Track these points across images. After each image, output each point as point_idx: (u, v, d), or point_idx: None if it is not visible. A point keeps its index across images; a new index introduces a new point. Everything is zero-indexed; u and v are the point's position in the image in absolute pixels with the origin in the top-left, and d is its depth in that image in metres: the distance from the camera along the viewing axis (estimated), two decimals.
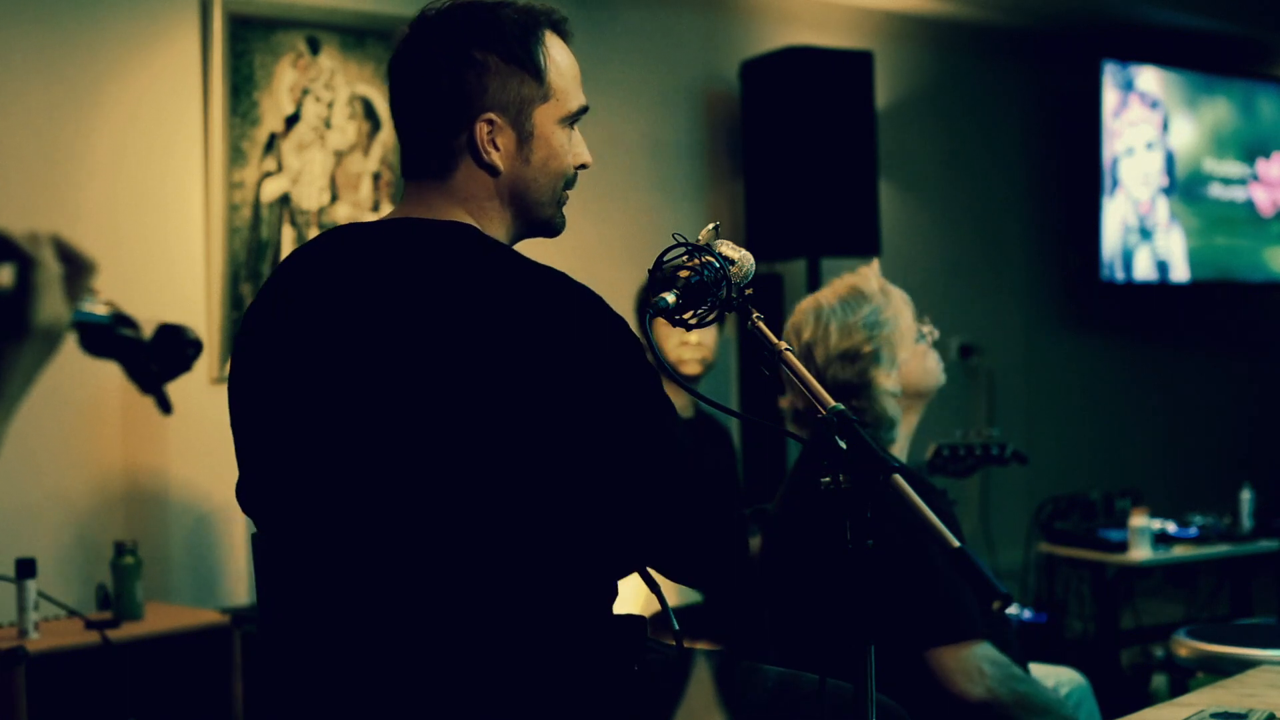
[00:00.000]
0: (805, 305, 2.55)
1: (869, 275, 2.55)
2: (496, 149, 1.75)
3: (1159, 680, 4.65)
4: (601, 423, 1.61)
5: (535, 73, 1.76)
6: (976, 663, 2.35)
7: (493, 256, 1.70)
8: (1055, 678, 2.87)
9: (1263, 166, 6.60)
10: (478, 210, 1.78)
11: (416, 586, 1.63)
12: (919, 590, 2.34)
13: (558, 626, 1.66)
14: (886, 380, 2.49)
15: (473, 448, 1.60)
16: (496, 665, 1.63)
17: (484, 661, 1.63)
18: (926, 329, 2.59)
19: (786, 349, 1.72)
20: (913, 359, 2.55)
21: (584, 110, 1.83)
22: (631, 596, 2.63)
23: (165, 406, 1.28)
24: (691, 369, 3.84)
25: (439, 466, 1.61)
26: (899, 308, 2.53)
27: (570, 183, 1.84)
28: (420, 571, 1.62)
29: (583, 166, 1.84)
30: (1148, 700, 4.38)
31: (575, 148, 1.83)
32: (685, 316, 1.73)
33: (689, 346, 3.82)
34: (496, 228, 1.79)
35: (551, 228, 1.85)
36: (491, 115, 1.74)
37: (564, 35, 1.83)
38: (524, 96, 1.76)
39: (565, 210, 1.86)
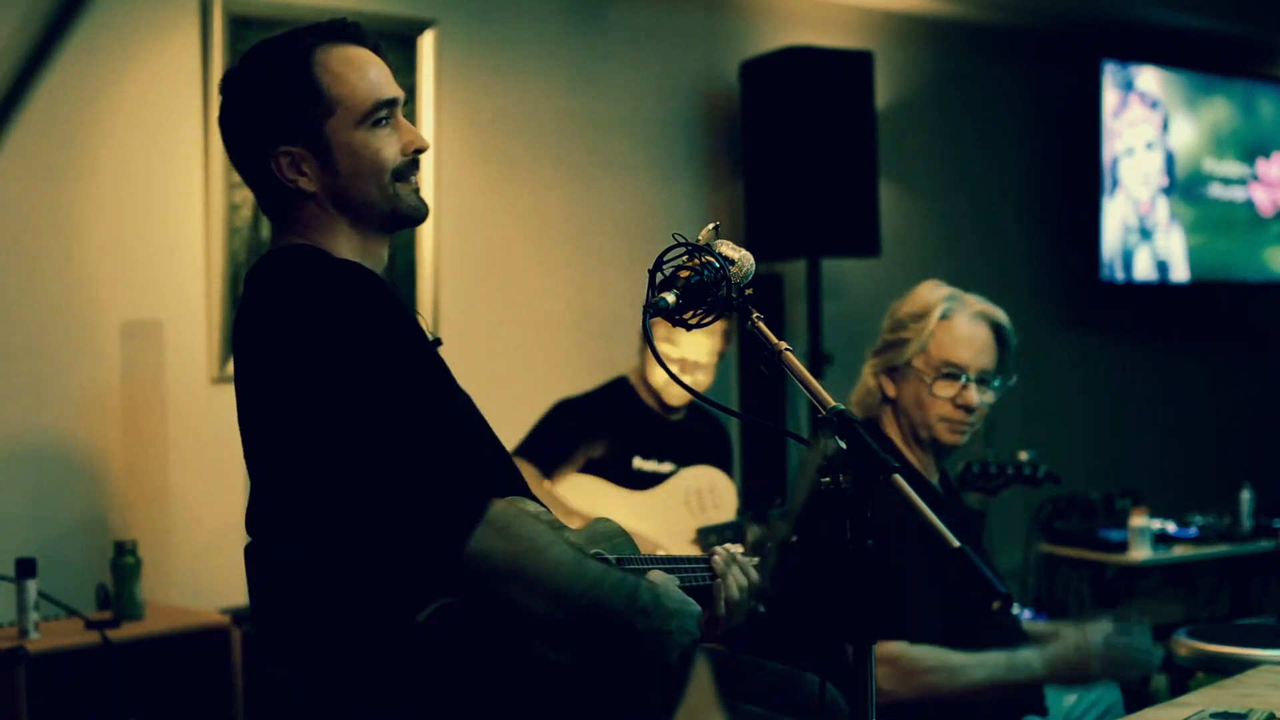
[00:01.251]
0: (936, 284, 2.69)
1: (939, 295, 2.64)
2: (303, 174, 1.85)
3: (1159, 680, 4.65)
4: (302, 416, 1.72)
5: (310, 92, 1.84)
6: (886, 654, 2.40)
7: (258, 273, 1.84)
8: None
9: (1262, 166, 6.60)
10: (315, 233, 1.87)
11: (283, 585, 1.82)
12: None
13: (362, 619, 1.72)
14: (871, 367, 2.65)
15: (253, 450, 1.82)
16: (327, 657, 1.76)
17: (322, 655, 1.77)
18: (956, 387, 2.58)
19: (786, 349, 1.72)
20: (910, 385, 2.60)
21: (380, 104, 1.86)
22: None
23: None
24: (677, 402, 3.74)
25: (254, 473, 1.83)
26: (925, 333, 2.59)
27: (400, 172, 1.88)
28: (280, 571, 1.81)
29: (416, 151, 1.88)
30: (1148, 700, 4.38)
31: (384, 140, 1.86)
32: (685, 316, 1.74)
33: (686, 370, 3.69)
34: (342, 240, 1.87)
35: (402, 217, 1.90)
36: (284, 147, 1.84)
37: (348, 39, 1.88)
38: (307, 117, 1.84)
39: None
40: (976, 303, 2.65)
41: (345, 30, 1.89)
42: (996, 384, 2.63)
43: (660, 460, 3.69)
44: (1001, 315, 2.67)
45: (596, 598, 1.70)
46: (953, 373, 2.58)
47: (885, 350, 2.64)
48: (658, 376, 3.64)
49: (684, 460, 3.71)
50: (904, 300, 2.67)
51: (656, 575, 1.82)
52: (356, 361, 1.69)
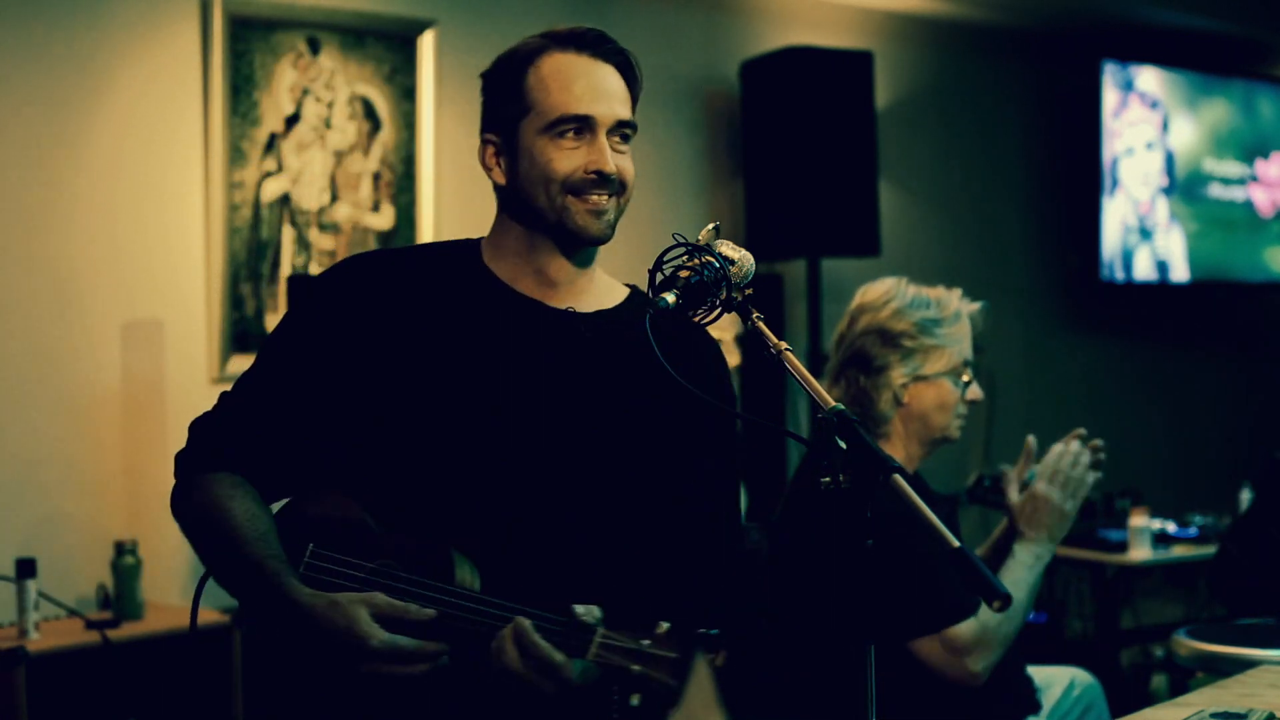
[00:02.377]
0: (888, 279, 2.62)
1: (956, 296, 2.60)
2: (499, 165, 1.91)
3: (1159, 680, 4.66)
4: None
5: (516, 91, 1.89)
6: (966, 641, 2.38)
7: None
8: (1068, 678, 2.86)
9: (1262, 167, 6.60)
10: (498, 224, 1.94)
11: None
12: (899, 583, 2.34)
13: None
14: (899, 378, 2.53)
15: None
16: None
17: None
18: (970, 384, 2.58)
19: (787, 349, 1.72)
20: (935, 390, 2.55)
21: (568, 118, 1.86)
22: None
23: None
24: None
25: None
26: (957, 338, 2.56)
27: (575, 187, 1.86)
28: None
29: (591, 173, 1.85)
30: (1148, 700, 4.39)
31: (564, 153, 1.86)
32: (685, 316, 1.74)
33: None
34: (511, 239, 1.92)
35: (568, 232, 1.88)
36: (489, 136, 1.92)
37: (575, 45, 1.91)
38: (509, 115, 1.90)
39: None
40: (956, 294, 2.64)
41: (582, 39, 1.92)
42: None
43: None
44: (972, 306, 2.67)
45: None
46: (970, 371, 2.59)
47: (911, 358, 2.53)
48: None
49: None
50: (924, 306, 2.55)
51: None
52: (273, 334, 1.98)
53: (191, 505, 1.90)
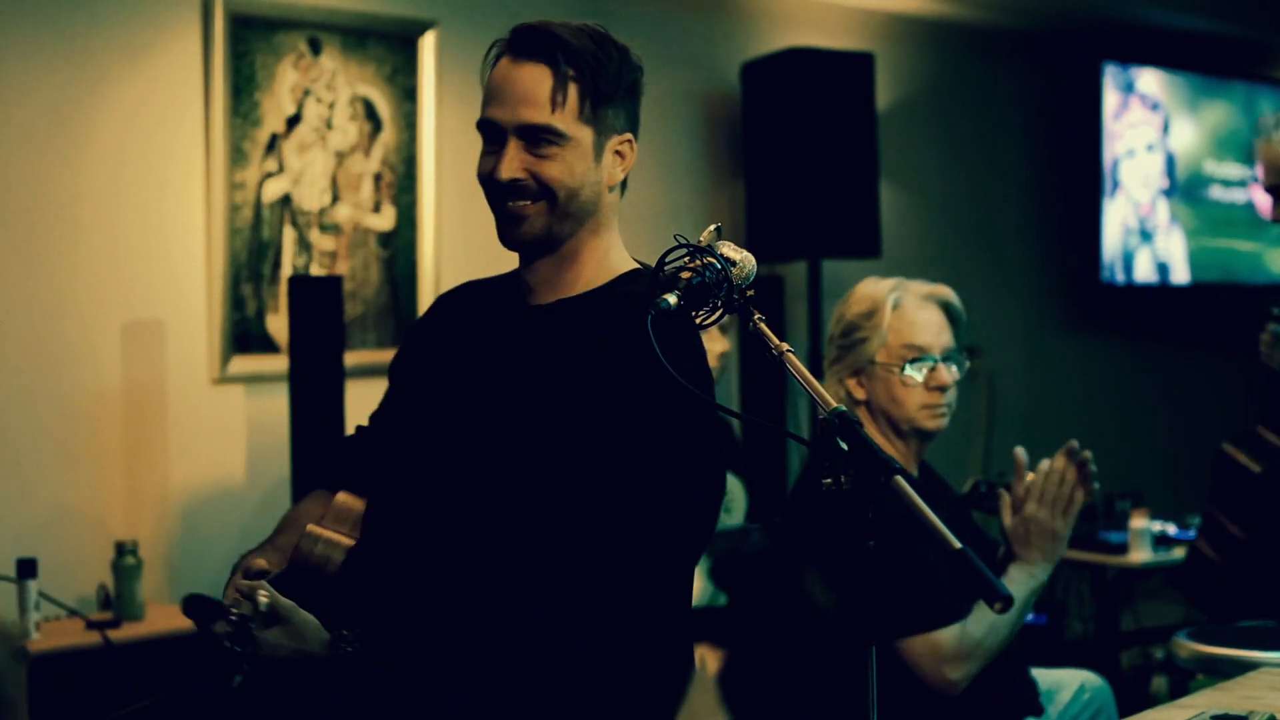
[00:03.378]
0: (867, 280, 2.71)
1: (889, 287, 2.64)
2: None
3: (1159, 682, 4.65)
4: None
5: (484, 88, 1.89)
6: (947, 647, 2.38)
7: None
8: (1078, 681, 2.86)
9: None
10: None
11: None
12: (890, 582, 2.35)
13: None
14: (835, 375, 2.65)
15: None
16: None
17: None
18: (925, 370, 2.60)
19: (788, 350, 1.72)
20: (881, 383, 2.60)
21: (480, 124, 1.87)
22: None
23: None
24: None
25: None
26: (883, 329, 2.60)
27: (489, 195, 1.87)
28: None
29: (487, 182, 1.86)
30: (1148, 702, 4.38)
31: (482, 161, 1.87)
32: (687, 317, 1.74)
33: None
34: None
35: (501, 236, 1.90)
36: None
37: (510, 50, 1.86)
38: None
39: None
40: (921, 286, 2.66)
41: (511, 41, 1.86)
42: (960, 360, 2.65)
43: None
44: (948, 292, 2.69)
45: None
46: (918, 357, 2.60)
47: (844, 355, 2.64)
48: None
49: None
50: (847, 303, 2.67)
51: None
52: None
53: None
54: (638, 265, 1.93)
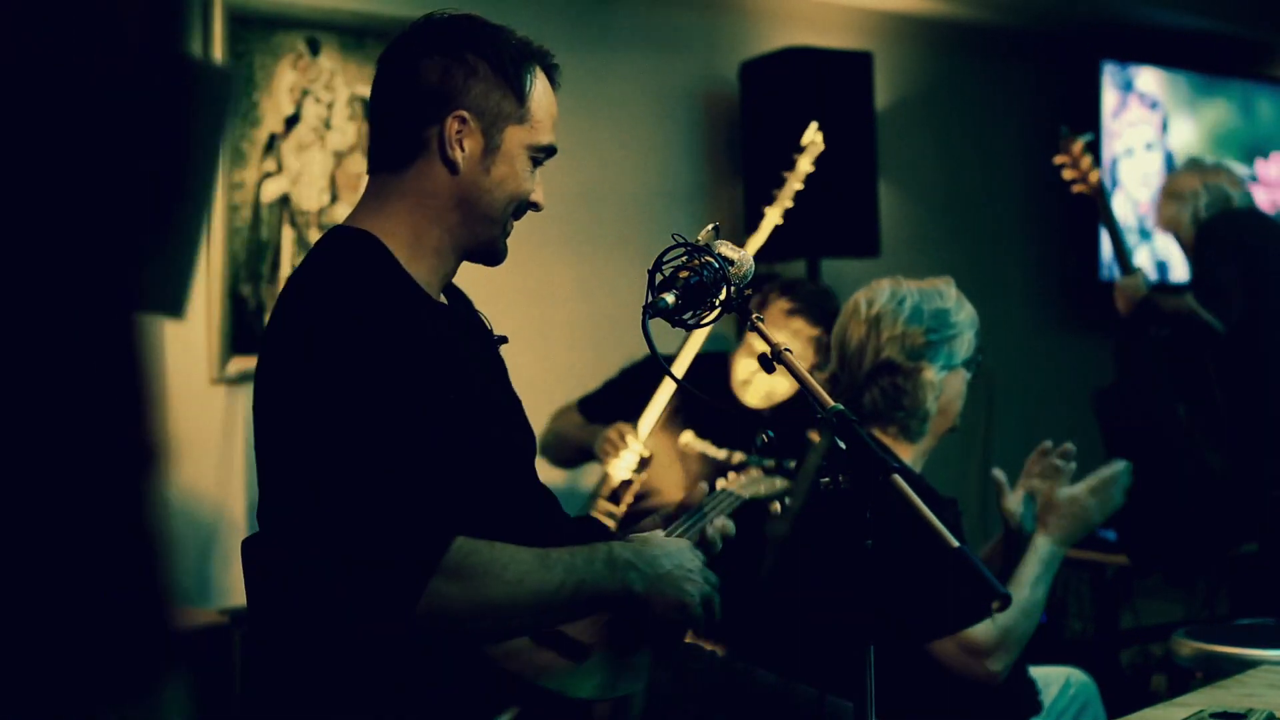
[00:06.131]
0: (883, 282, 2.61)
1: (950, 284, 2.64)
2: (461, 149, 1.82)
3: (1159, 680, 4.64)
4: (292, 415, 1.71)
5: (518, 92, 1.84)
6: (985, 641, 2.38)
7: (310, 263, 1.80)
8: (1064, 677, 2.87)
9: (1262, 167, 6.60)
10: (424, 207, 1.83)
11: None
12: (916, 585, 2.34)
13: None
14: (933, 376, 2.53)
15: (259, 440, 1.78)
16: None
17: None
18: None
19: (786, 349, 1.72)
20: (957, 378, 2.59)
21: (550, 150, 1.89)
22: None
23: None
24: (754, 403, 3.66)
25: (258, 462, 1.84)
26: (966, 324, 2.59)
27: (519, 212, 1.89)
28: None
29: (534, 206, 1.90)
30: (1148, 700, 4.37)
31: (531, 178, 1.89)
32: (685, 317, 1.74)
33: (755, 394, 3.62)
34: (438, 231, 1.84)
35: (493, 252, 1.91)
36: (465, 114, 1.81)
37: (553, 80, 1.91)
38: (501, 110, 1.83)
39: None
40: (917, 284, 2.66)
41: (553, 69, 1.93)
42: None
43: (717, 445, 3.64)
44: (947, 286, 2.70)
45: (577, 581, 1.69)
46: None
47: (940, 351, 2.54)
48: (738, 373, 3.59)
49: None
50: (935, 298, 2.58)
51: (646, 533, 1.85)
52: (352, 385, 1.66)
53: (451, 600, 1.63)
54: None
